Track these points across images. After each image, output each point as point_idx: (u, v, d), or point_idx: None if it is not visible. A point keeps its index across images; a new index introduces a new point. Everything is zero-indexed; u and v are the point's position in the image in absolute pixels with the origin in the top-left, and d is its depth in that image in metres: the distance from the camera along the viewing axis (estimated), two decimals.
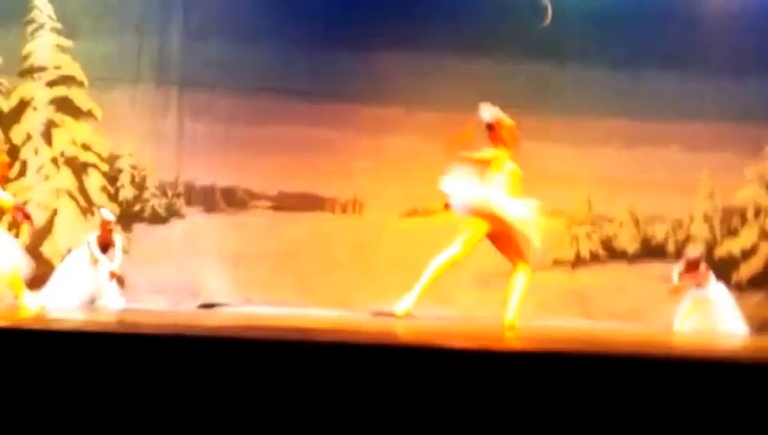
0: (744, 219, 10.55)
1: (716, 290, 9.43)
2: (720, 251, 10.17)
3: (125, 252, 9.15)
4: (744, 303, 10.12)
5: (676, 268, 9.48)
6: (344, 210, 10.44)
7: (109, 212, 9.22)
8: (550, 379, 3.97)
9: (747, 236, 10.52)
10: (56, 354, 3.79)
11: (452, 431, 3.70)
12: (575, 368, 4.21)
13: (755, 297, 10.39)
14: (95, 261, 8.84)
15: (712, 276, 9.46)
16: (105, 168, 10.28)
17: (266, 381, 3.87)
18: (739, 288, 10.25)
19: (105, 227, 8.97)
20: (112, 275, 8.81)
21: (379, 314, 9.57)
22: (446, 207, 7.53)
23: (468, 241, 7.08)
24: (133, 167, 10.29)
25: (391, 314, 9.45)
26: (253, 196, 10.41)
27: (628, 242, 10.50)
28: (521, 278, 7.17)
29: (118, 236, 9.13)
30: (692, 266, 9.48)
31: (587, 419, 3.81)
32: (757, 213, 10.54)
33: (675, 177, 10.32)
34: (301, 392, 3.80)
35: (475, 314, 9.98)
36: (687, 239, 10.03)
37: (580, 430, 3.77)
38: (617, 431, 3.80)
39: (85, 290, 8.78)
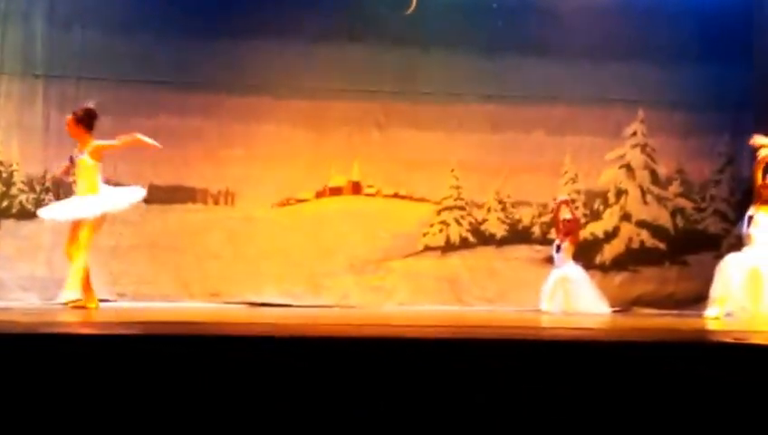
0: (606, 202, 10.90)
1: (575, 270, 9.78)
2: (584, 233, 10.47)
3: None
4: (609, 283, 10.50)
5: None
6: (216, 201, 10.37)
7: None
8: (424, 363, 4.10)
9: (609, 219, 10.86)
10: None
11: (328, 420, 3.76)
12: (446, 351, 4.35)
13: (618, 278, 10.75)
14: None
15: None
16: None
17: (138, 376, 3.87)
18: (603, 269, 10.60)
19: None
20: None
21: (254, 304, 9.65)
22: None
23: None
24: None
25: (266, 305, 9.54)
26: None
27: (496, 226, 10.73)
28: None
29: None
30: (569, 227, 9.87)
31: (462, 402, 3.93)
32: (618, 195, 10.89)
33: (540, 161, 10.55)
34: (175, 386, 3.82)
35: (350, 301, 10.11)
36: (553, 222, 10.28)
37: (457, 412, 3.88)
38: (492, 411, 3.91)
39: None
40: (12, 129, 10.08)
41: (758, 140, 8.49)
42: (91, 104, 8.22)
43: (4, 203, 10.02)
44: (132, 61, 10.19)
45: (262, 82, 10.31)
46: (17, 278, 9.80)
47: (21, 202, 10.10)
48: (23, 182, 10.10)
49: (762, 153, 8.44)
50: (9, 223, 10.01)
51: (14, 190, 10.09)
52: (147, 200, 10.22)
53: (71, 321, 6.33)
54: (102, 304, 9.57)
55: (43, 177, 10.10)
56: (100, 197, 8.04)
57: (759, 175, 8.45)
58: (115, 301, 9.80)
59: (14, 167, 10.09)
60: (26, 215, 10.03)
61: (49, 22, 10.16)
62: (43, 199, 10.05)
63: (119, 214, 10.12)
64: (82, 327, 5.66)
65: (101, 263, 9.95)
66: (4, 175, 10.08)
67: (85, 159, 8.05)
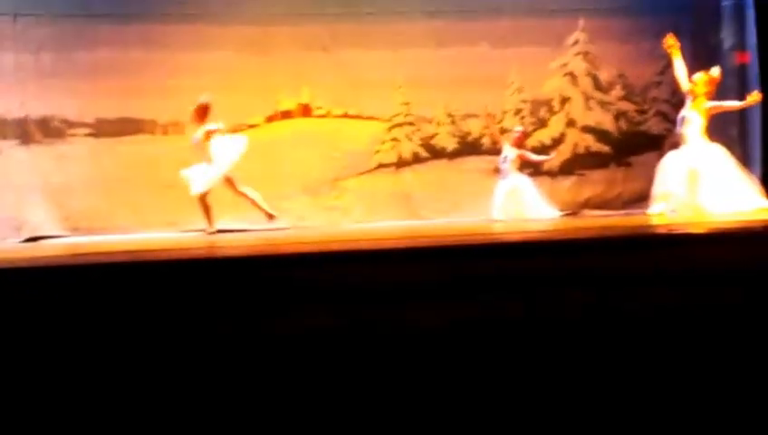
0: (551, 110, 11.06)
1: (522, 179, 9.96)
2: (532, 141, 10.64)
3: None
4: (557, 188, 10.71)
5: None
6: (165, 131, 10.33)
7: None
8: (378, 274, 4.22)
9: (555, 126, 11.04)
10: None
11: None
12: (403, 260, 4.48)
13: (566, 182, 10.96)
14: None
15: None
16: None
17: (99, 306, 3.92)
18: (551, 175, 10.79)
19: None
20: None
21: (211, 232, 9.67)
22: None
23: None
24: None
25: (222, 231, 9.58)
26: (70, 124, 10.12)
27: (446, 140, 10.85)
28: None
29: None
30: (521, 140, 10.03)
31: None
32: (563, 103, 11.07)
33: (486, 73, 10.61)
34: (138, 313, 3.88)
35: (306, 223, 10.20)
36: (501, 132, 10.41)
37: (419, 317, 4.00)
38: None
39: None
40: None
41: (668, 40, 8.75)
42: (204, 99, 9.15)
43: None
44: None
45: (205, 10, 10.24)
46: None
47: None
48: None
49: (674, 55, 8.72)
50: None
51: None
52: (95, 134, 10.21)
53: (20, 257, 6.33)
54: (58, 240, 9.61)
55: None
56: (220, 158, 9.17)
57: (680, 75, 8.71)
58: (69, 236, 9.76)
59: None
60: None
61: None
62: None
63: (67, 150, 10.14)
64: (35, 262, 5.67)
65: (55, 200, 9.94)
66: None
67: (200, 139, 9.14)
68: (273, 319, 3.88)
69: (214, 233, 9.11)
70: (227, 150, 9.19)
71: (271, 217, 9.34)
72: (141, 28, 10.20)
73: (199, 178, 9.12)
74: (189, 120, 9.31)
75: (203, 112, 9.17)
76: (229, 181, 9.25)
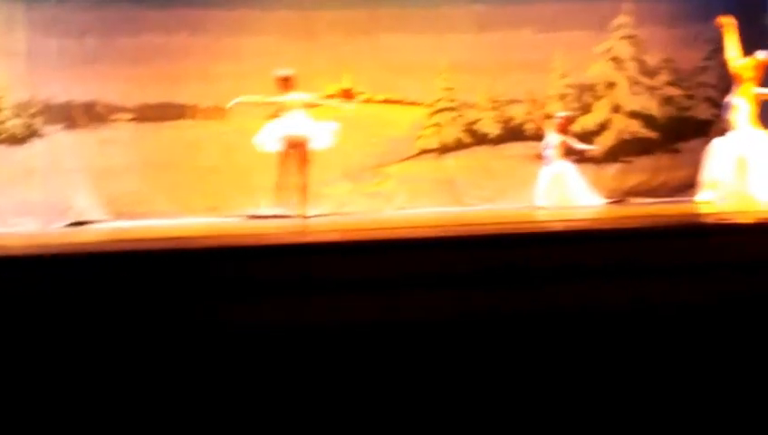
0: (595, 95, 10.93)
1: (567, 166, 9.85)
2: (575, 127, 10.52)
3: None
4: (602, 175, 10.58)
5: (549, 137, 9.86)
6: (207, 116, 10.34)
7: None
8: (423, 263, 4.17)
9: (600, 111, 10.92)
10: None
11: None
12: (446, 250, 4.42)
13: (611, 169, 10.84)
14: None
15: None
16: None
17: (144, 292, 3.91)
18: (596, 162, 10.63)
19: None
20: None
21: (253, 217, 9.69)
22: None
23: None
24: None
25: (266, 217, 9.59)
26: (113, 109, 10.19)
27: (489, 125, 10.77)
28: None
29: None
30: (564, 125, 9.91)
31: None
32: (608, 87, 10.93)
33: (529, 58, 10.52)
34: (181, 298, 3.86)
35: (348, 209, 10.17)
36: (545, 118, 10.31)
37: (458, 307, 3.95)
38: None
39: None
40: None
41: (723, 19, 8.54)
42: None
43: None
44: None
45: None
46: (12, 204, 9.77)
47: (10, 128, 10.02)
48: (11, 108, 10.00)
49: (727, 34, 8.49)
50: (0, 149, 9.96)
51: (1, 117, 10.01)
52: (138, 119, 10.25)
53: (67, 242, 6.35)
54: (99, 225, 9.68)
55: (31, 101, 10.01)
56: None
57: (731, 58, 8.50)
58: (112, 221, 9.83)
59: (1, 93, 9.99)
60: (16, 140, 9.99)
61: None
62: (31, 125, 10.00)
63: (110, 135, 10.19)
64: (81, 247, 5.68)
65: (98, 185, 10.00)
66: None
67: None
68: (314, 308, 3.86)
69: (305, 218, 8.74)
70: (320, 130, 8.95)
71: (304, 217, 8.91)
72: (183, 13, 10.24)
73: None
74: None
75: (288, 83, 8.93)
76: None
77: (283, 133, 8.87)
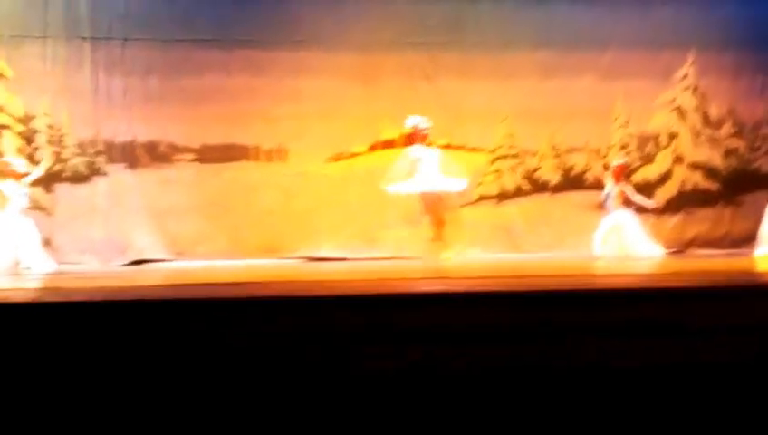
0: (658, 145, 10.85)
1: (626, 215, 9.75)
2: (637, 177, 10.45)
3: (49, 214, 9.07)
4: (663, 226, 10.50)
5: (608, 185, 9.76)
6: (269, 158, 10.39)
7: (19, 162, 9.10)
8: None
9: (662, 162, 10.83)
10: None
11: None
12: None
13: (672, 220, 10.75)
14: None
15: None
16: (20, 128, 10.01)
17: (206, 338, 3.92)
18: (656, 213, 10.54)
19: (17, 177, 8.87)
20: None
21: (311, 259, 9.70)
22: None
23: None
24: (50, 126, 10.04)
25: (322, 259, 9.59)
26: (175, 149, 10.26)
27: (549, 173, 10.73)
28: None
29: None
30: (620, 173, 9.80)
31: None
32: (670, 138, 10.85)
33: (591, 106, 10.51)
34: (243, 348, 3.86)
35: (405, 254, 10.13)
36: (605, 168, 10.24)
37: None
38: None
39: (8, 253, 8.63)
40: (61, 93, 10.06)
41: None
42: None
43: (57, 167, 10.01)
44: (176, 21, 10.17)
45: (310, 36, 10.25)
46: (74, 241, 9.85)
47: (74, 166, 10.12)
48: (75, 145, 10.11)
49: None
50: (63, 187, 10.04)
51: (66, 154, 10.11)
52: (200, 159, 10.31)
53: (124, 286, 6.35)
54: (162, 264, 9.73)
55: (95, 140, 10.12)
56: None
57: None
58: (173, 260, 9.88)
59: (65, 130, 10.10)
60: (79, 178, 10.08)
61: None
62: (94, 163, 10.10)
63: (172, 175, 10.26)
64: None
65: (159, 224, 10.05)
66: (56, 139, 10.08)
67: None
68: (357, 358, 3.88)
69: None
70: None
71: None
72: (246, 54, 10.28)
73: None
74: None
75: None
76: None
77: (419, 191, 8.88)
